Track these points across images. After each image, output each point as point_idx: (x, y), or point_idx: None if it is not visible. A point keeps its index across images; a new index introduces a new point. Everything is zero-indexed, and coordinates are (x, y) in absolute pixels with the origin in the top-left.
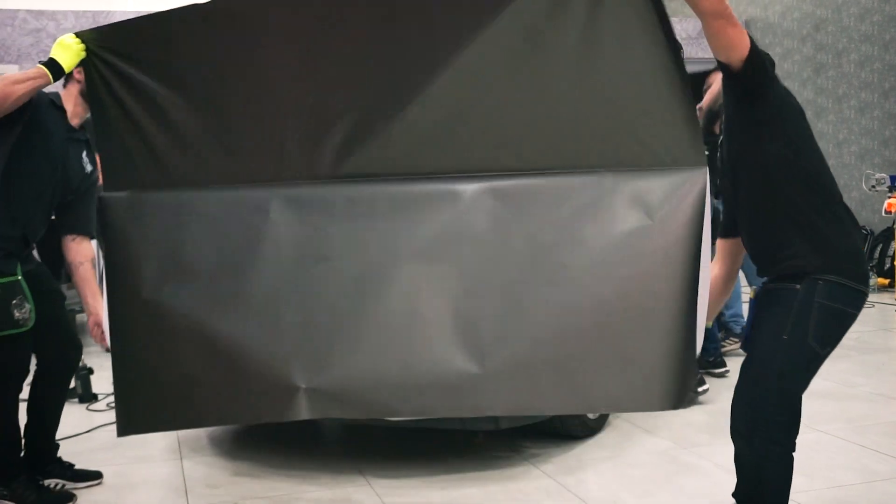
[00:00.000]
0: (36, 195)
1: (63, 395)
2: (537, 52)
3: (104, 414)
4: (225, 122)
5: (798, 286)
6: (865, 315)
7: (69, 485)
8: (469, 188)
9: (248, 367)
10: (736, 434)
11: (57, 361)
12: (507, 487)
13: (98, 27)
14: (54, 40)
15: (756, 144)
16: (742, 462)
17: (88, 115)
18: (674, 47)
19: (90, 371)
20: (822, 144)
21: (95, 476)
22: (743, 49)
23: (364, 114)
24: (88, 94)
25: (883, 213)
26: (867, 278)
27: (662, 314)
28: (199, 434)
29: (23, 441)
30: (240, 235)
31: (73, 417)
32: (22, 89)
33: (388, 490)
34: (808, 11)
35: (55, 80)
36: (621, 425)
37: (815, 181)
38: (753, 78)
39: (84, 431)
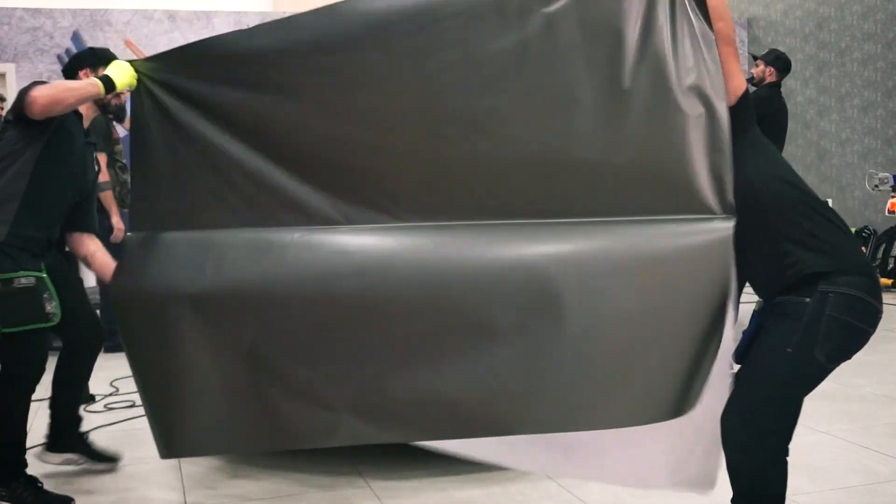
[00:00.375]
0: (59, 198)
1: (88, 373)
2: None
3: (101, 415)
4: (260, 165)
5: (808, 299)
6: None
7: (88, 462)
8: (495, 225)
9: (287, 395)
10: (728, 444)
11: (83, 340)
12: (508, 489)
13: (151, 57)
14: (51, 38)
15: (740, 171)
16: (737, 472)
17: (95, 115)
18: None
19: None
20: (824, 143)
21: (114, 459)
22: (740, 83)
23: (394, 164)
24: (133, 126)
25: (886, 213)
26: (879, 292)
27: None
28: None
29: (49, 414)
30: (274, 270)
31: None
32: (73, 97)
33: (387, 492)
34: (811, 10)
35: (106, 93)
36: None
37: (799, 193)
38: (745, 112)
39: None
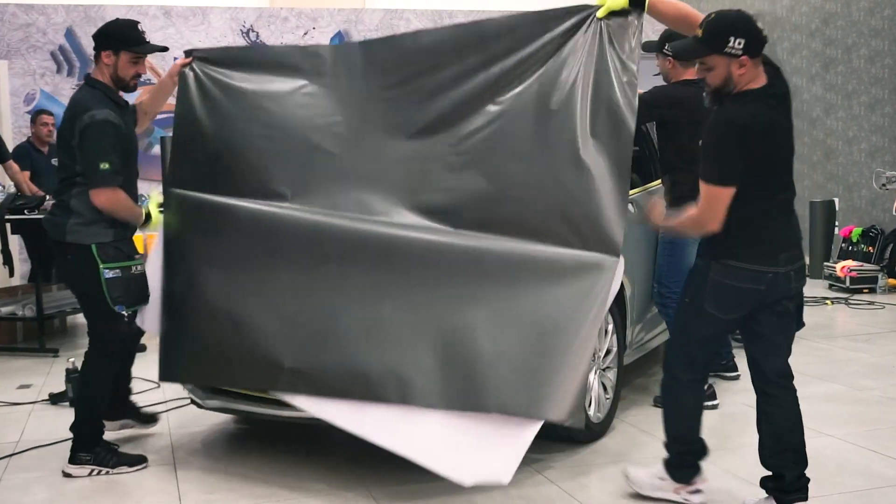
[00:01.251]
0: (135, 187)
1: (136, 347)
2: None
3: None
4: (265, 150)
5: (701, 262)
6: (875, 317)
7: (139, 426)
8: (436, 237)
9: (250, 343)
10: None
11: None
12: (510, 493)
13: (206, 49)
14: (45, 35)
15: None
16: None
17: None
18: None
19: None
20: (830, 141)
21: (153, 419)
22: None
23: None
24: (181, 99)
25: (893, 212)
26: (767, 258)
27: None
28: (194, 439)
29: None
30: (262, 239)
31: (63, 420)
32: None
33: (387, 497)
34: (817, 5)
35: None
36: (626, 429)
37: (753, 184)
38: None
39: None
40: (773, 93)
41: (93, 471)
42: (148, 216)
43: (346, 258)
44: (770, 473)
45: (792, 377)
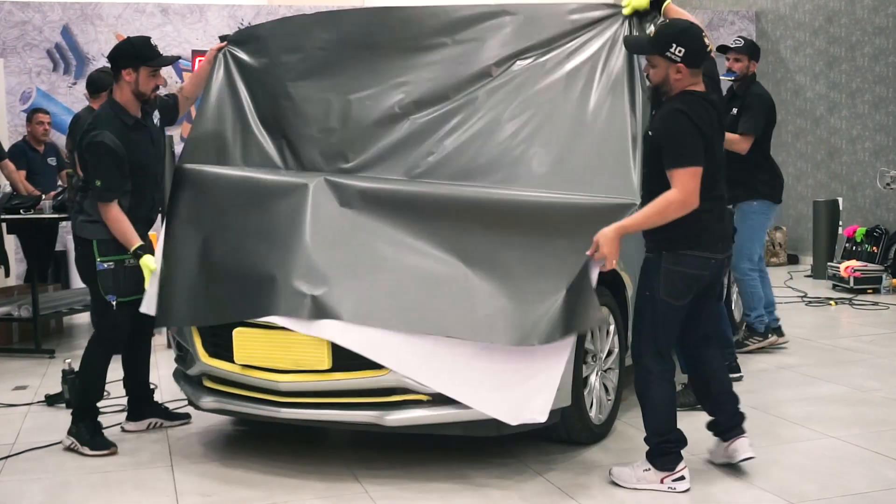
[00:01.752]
0: (145, 195)
1: (149, 349)
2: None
3: None
4: (283, 121)
5: (651, 255)
6: (879, 317)
7: (167, 422)
8: (454, 190)
9: (269, 276)
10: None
11: (143, 321)
12: (510, 495)
13: (238, 32)
14: (41, 33)
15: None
16: (636, 390)
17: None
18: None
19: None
20: (834, 140)
21: (185, 417)
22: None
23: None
24: (209, 80)
25: None
26: (710, 245)
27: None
28: (191, 441)
29: (126, 391)
30: (276, 204)
31: (60, 422)
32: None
33: (386, 498)
34: (821, 3)
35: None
36: (626, 431)
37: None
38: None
39: None
40: (710, 99)
41: (71, 444)
42: (144, 247)
43: (371, 207)
44: (712, 418)
45: (710, 338)
